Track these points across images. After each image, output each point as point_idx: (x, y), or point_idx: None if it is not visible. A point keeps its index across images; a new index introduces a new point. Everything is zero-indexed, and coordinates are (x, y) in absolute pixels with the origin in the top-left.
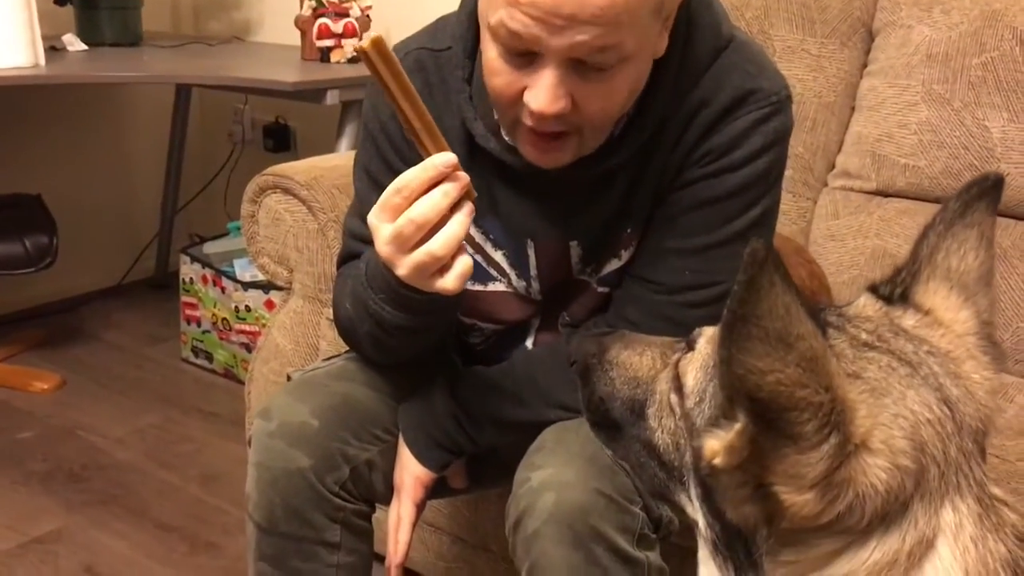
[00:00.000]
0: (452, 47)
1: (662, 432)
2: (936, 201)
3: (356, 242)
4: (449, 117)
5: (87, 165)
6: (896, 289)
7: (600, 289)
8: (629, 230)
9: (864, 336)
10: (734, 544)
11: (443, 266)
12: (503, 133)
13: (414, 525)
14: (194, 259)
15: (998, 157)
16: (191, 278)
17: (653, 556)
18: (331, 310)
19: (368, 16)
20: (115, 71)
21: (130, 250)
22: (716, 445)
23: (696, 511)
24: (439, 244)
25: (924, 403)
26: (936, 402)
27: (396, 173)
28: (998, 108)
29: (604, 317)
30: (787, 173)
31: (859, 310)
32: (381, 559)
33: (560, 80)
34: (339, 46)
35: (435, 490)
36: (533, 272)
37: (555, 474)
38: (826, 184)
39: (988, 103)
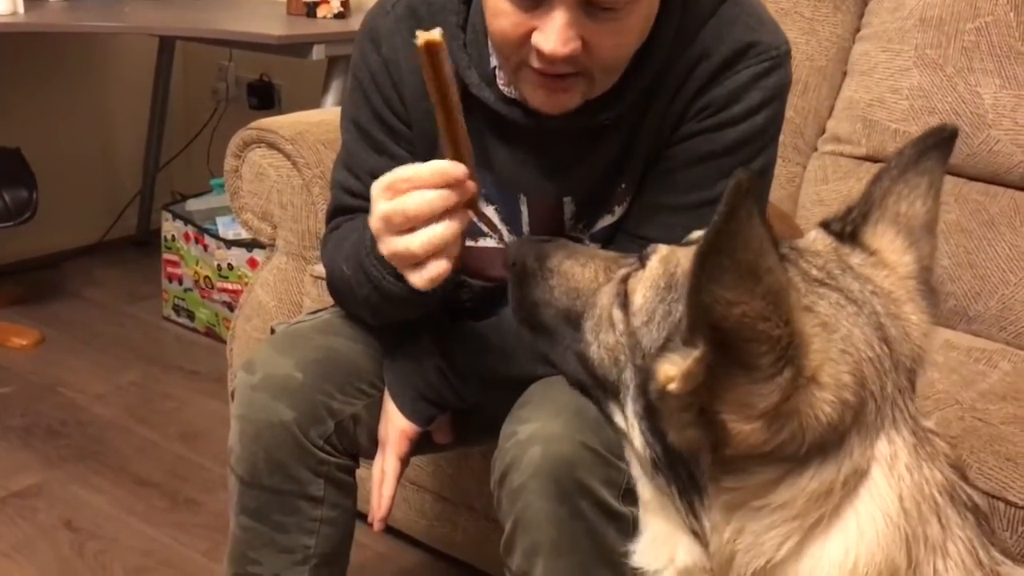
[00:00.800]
0: None
1: (598, 347)
2: None
3: (345, 195)
4: None
5: (68, 120)
6: (846, 227)
7: (593, 245)
8: (623, 186)
9: (815, 272)
10: (676, 466)
11: (418, 262)
12: (500, 80)
13: (398, 479)
14: (176, 216)
15: (989, 123)
16: (173, 235)
17: (638, 511)
18: (315, 266)
19: None
20: (96, 21)
21: (112, 207)
22: (672, 370)
23: (632, 428)
24: (417, 242)
25: (867, 341)
26: (877, 340)
27: (384, 123)
28: (990, 74)
29: None
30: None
31: (810, 244)
32: (363, 517)
33: (571, 21)
34: (326, 1)
35: (419, 445)
36: (525, 228)
37: (542, 428)
38: (816, 149)
39: (981, 69)
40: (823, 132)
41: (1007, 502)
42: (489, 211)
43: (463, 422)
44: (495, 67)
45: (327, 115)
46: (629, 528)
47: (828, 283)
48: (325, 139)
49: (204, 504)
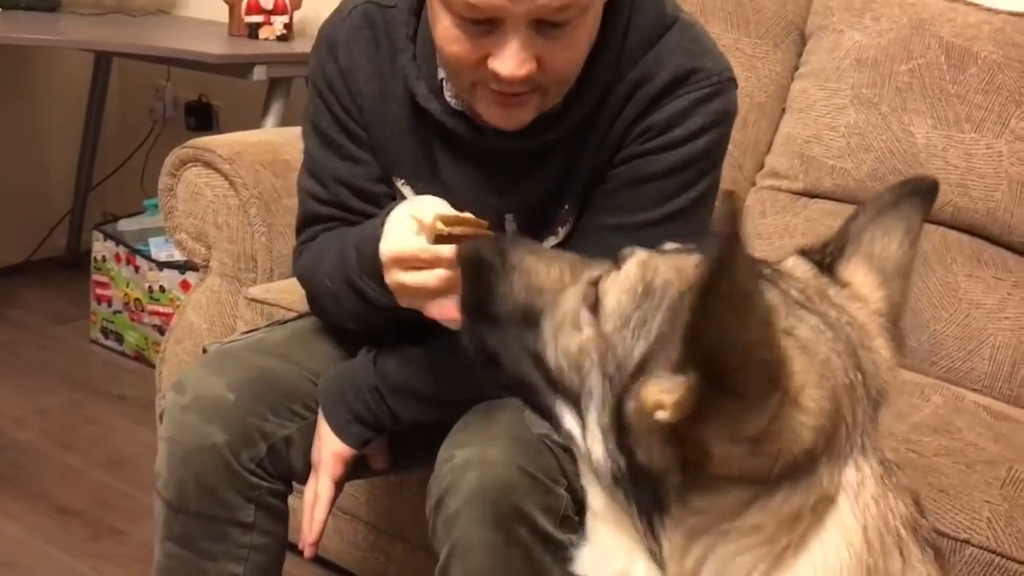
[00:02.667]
0: (398, 4)
1: (556, 350)
2: (861, 204)
3: (314, 202)
4: (393, 77)
5: None
6: (824, 259)
7: None
8: (566, 207)
9: (795, 294)
10: (640, 482)
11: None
12: (448, 93)
13: (332, 503)
14: (107, 236)
15: (922, 162)
16: (104, 256)
17: (576, 539)
18: (250, 289)
19: None
20: (30, 33)
21: (40, 226)
22: (662, 397)
23: (591, 438)
24: (443, 288)
25: (843, 368)
26: (852, 368)
27: (346, 129)
28: (923, 115)
29: None
30: None
31: (789, 269)
32: (294, 548)
33: (525, 43)
34: (268, 23)
35: (354, 470)
36: None
37: (479, 452)
38: (754, 183)
39: (914, 109)
40: (762, 167)
41: (940, 533)
42: None
43: (399, 447)
44: (443, 79)
45: (266, 135)
46: (566, 555)
47: (808, 307)
48: (264, 159)
49: (128, 534)
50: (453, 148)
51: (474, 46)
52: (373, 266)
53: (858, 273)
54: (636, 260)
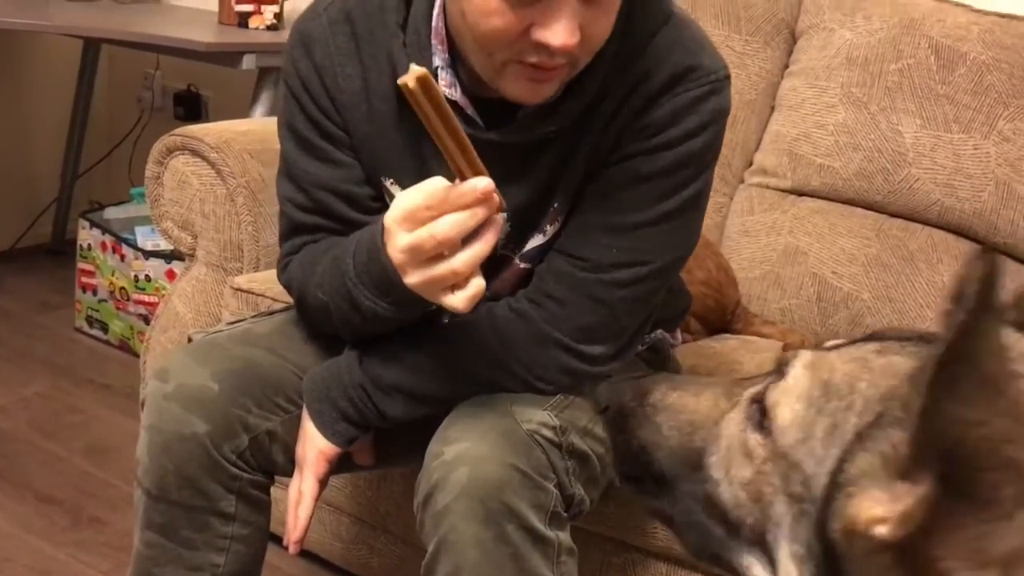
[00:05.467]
0: None
1: (731, 484)
2: (848, 202)
3: (296, 211)
4: (377, 72)
5: None
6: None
7: (523, 265)
8: (556, 204)
9: None
10: None
11: (456, 284)
12: (442, 83)
13: (316, 501)
14: (94, 224)
15: (910, 162)
16: (89, 244)
17: (564, 536)
18: (236, 278)
19: None
20: (18, 18)
21: (26, 213)
22: (877, 510)
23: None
24: (461, 261)
25: None
26: None
27: (323, 131)
28: (912, 114)
29: (525, 292)
30: None
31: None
32: (277, 540)
33: (575, 11)
34: (259, 12)
35: (339, 465)
36: None
37: (469, 448)
38: (743, 180)
39: (903, 108)
40: (750, 164)
41: None
42: None
43: (385, 442)
44: (437, 67)
45: (254, 124)
46: (554, 553)
47: None
48: (251, 148)
49: (109, 523)
50: None
51: (518, 17)
52: (370, 269)
53: None
54: (803, 362)
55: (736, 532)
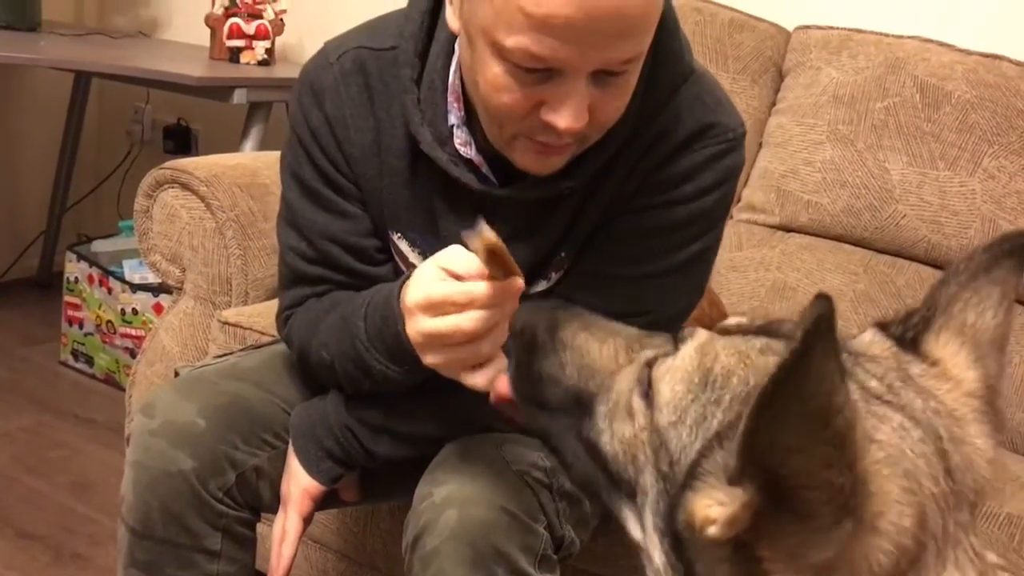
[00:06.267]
0: (399, 46)
1: (612, 437)
2: (836, 238)
3: (300, 261)
4: (390, 125)
5: None
6: (906, 332)
7: None
8: (563, 254)
9: (874, 384)
10: None
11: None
12: (457, 140)
13: (299, 539)
14: (81, 257)
15: (896, 198)
16: (76, 277)
17: None
18: (224, 312)
19: (282, 20)
20: (9, 51)
21: (13, 245)
22: (712, 511)
23: (650, 541)
24: (487, 348)
25: (932, 476)
26: (942, 474)
27: (331, 182)
28: (898, 152)
29: None
30: None
31: (866, 347)
32: (262, 575)
33: (584, 94)
34: (250, 47)
35: (325, 500)
36: None
37: (458, 490)
38: (732, 216)
39: (889, 146)
40: (739, 201)
41: None
42: None
43: (372, 478)
44: (452, 125)
45: (244, 158)
46: None
47: (890, 401)
48: (241, 182)
49: (91, 559)
50: (454, 199)
51: (527, 96)
52: (384, 335)
53: (948, 349)
54: (694, 344)
55: (615, 483)
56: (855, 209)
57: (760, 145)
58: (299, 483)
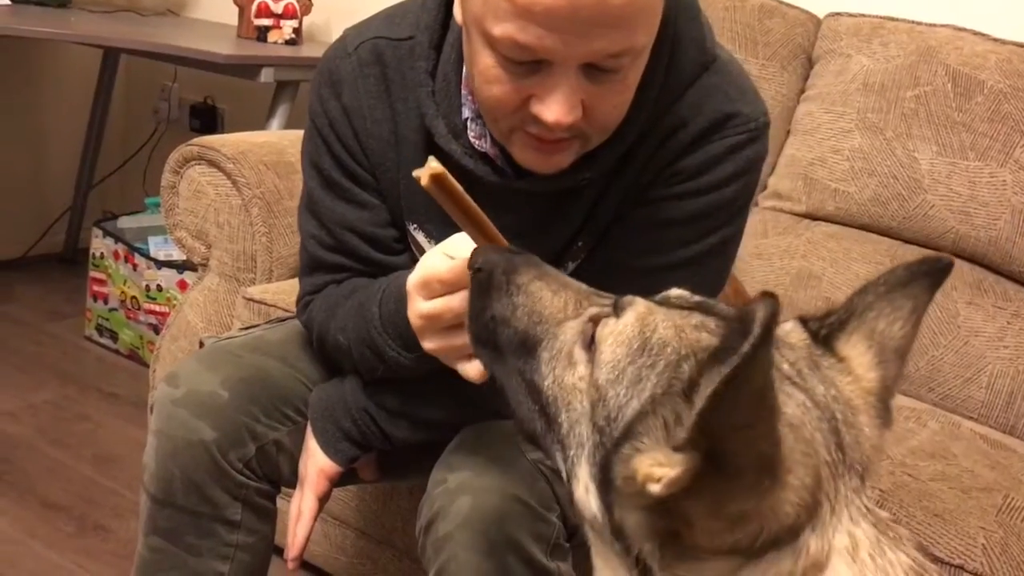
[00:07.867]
0: (415, 36)
1: (552, 382)
2: (863, 228)
3: (319, 248)
4: (407, 117)
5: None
6: (822, 329)
7: None
8: (580, 243)
9: (786, 367)
10: (622, 540)
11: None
12: (471, 133)
13: (315, 519)
14: (107, 233)
15: (925, 188)
16: (102, 253)
17: (565, 567)
18: (249, 288)
19: (310, 0)
20: (40, 27)
21: (39, 221)
22: (656, 472)
23: (581, 488)
24: None
25: (825, 445)
26: (834, 446)
27: (348, 172)
28: (928, 141)
29: None
30: None
31: (785, 335)
32: (281, 551)
33: (573, 88)
34: (278, 26)
35: (343, 478)
36: None
37: (472, 477)
38: (757, 204)
39: (919, 135)
40: (765, 188)
41: (934, 558)
42: None
43: (390, 458)
44: (467, 119)
45: (271, 136)
46: None
47: (797, 383)
48: (268, 160)
49: (113, 531)
50: (471, 192)
51: (517, 88)
52: (396, 321)
53: (856, 349)
54: (635, 313)
55: (552, 428)
56: (883, 198)
57: (788, 132)
58: (316, 463)
